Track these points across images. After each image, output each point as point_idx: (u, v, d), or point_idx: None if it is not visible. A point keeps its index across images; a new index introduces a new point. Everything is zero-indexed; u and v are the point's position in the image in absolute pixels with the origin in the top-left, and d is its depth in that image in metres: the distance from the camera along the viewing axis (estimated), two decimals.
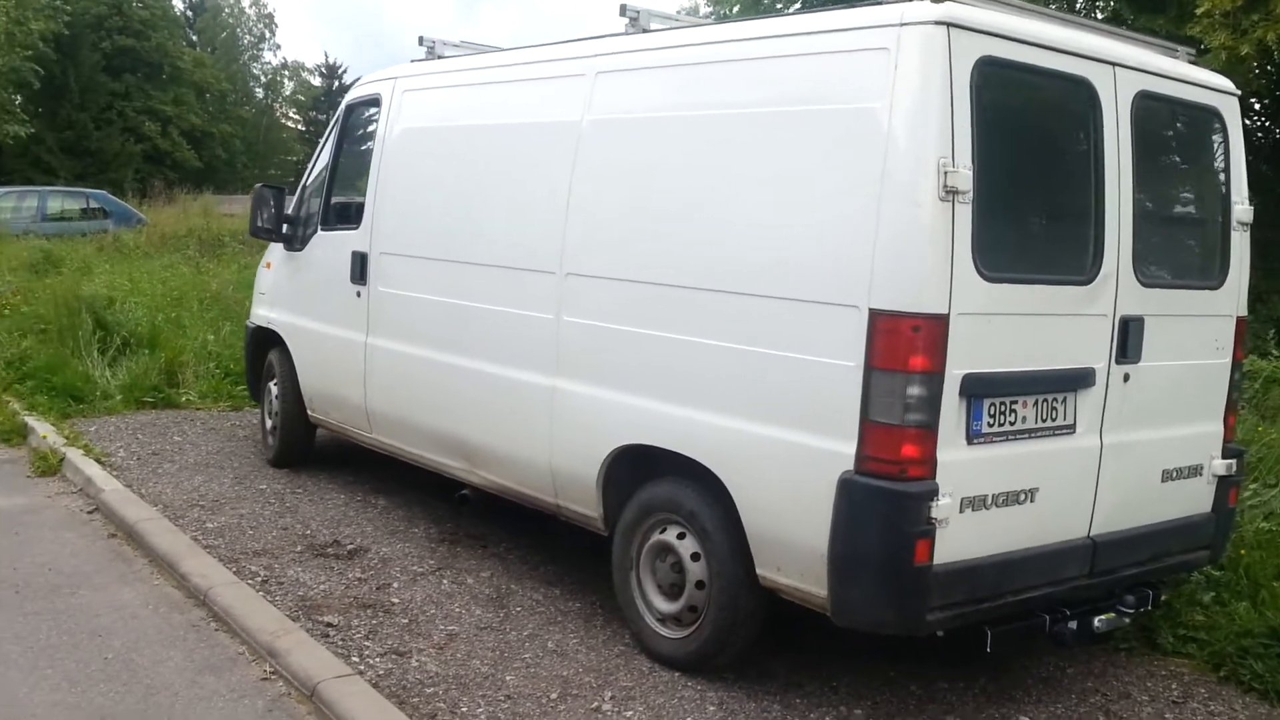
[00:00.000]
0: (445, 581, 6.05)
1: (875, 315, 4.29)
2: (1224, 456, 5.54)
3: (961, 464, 4.40)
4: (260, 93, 63.93)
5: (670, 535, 5.15)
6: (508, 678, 4.97)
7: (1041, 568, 4.73)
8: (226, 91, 55.22)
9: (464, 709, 4.65)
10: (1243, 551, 6.15)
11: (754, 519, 4.76)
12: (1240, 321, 5.55)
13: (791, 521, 4.59)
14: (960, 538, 4.42)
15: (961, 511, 4.41)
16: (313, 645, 5.01)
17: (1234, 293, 5.48)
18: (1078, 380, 4.79)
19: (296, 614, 5.44)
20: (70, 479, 7.62)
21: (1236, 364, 5.58)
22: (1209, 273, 5.44)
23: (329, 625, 5.38)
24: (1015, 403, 4.58)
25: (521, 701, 4.75)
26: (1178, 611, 5.83)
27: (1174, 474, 5.29)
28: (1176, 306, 5.19)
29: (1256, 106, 15.11)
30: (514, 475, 6.05)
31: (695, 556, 5.03)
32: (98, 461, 7.86)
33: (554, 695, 4.84)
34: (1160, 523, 5.28)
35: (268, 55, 65.72)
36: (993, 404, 4.50)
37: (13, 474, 7.89)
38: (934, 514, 4.28)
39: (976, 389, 4.42)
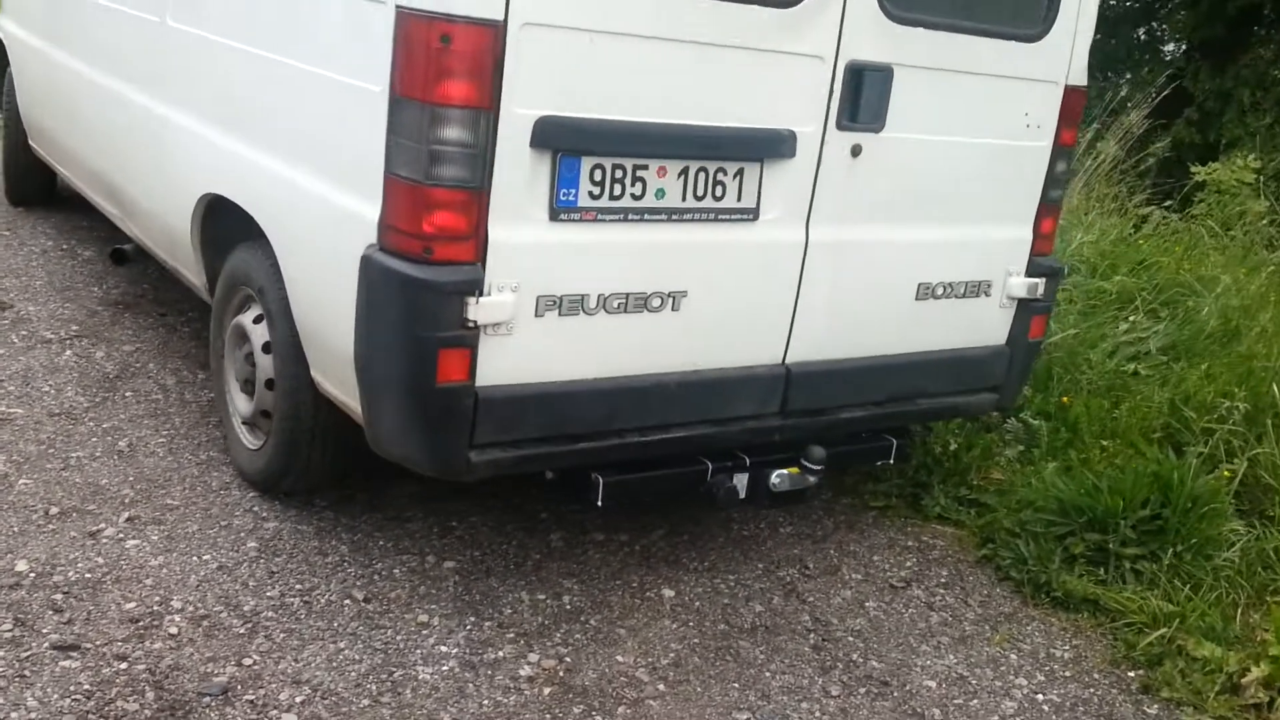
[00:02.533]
0: (69, 352, 4.91)
1: (402, 16, 2.88)
2: (1028, 274, 4.08)
3: (537, 248, 3.06)
4: None
5: (248, 318, 3.88)
6: (22, 481, 3.82)
7: (688, 400, 3.43)
8: None
9: None
10: (1065, 399, 4.74)
11: (297, 300, 3.50)
12: (1073, 93, 3.99)
13: (324, 309, 3.33)
14: (535, 352, 3.13)
15: (538, 315, 3.09)
16: None
17: (1063, 50, 3.91)
18: (763, 145, 3.36)
19: None
20: None
21: (1062, 149, 4.06)
22: (1024, 17, 3.86)
23: None
24: (641, 168, 3.17)
25: (8, 515, 3.61)
26: (967, 467, 4.49)
27: (938, 291, 3.88)
28: (955, 58, 3.66)
29: None
30: (142, 227, 4.81)
31: (266, 348, 3.78)
32: None
33: (55, 510, 3.69)
34: (912, 354, 3.91)
35: None
36: (597, 166, 3.10)
37: None
38: (472, 314, 2.96)
39: (566, 141, 3.03)
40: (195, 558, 3.56)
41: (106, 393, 4.60)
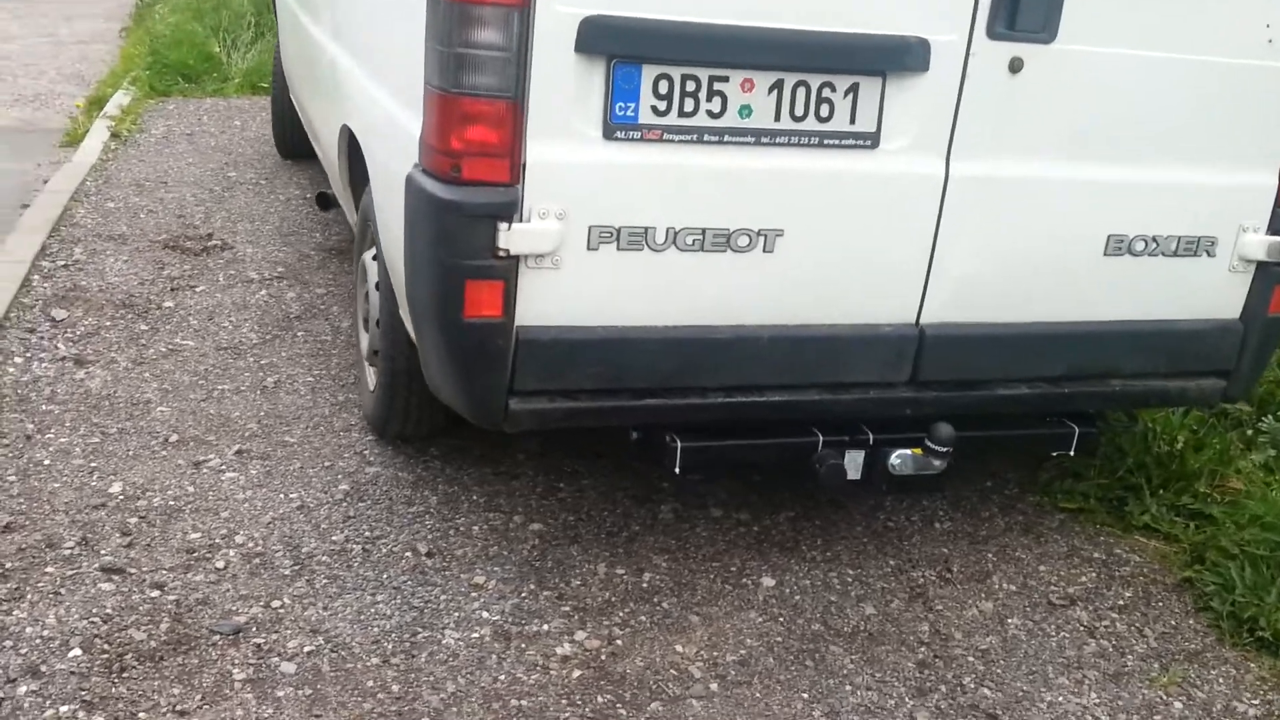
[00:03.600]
0: (264, 292, 5.02)
1: None
2: (1271, 230, 3.27)
3: (588, 170, 2.69)
4: None
5: (369, 254, 3.76)
6: (160, 409, 3.89)
7: (786, 359, 2.96)
8: None
9: (53, 434, 3.64)
10: None
11: (381, 228, 3.32)
12: None
13: (392, 236, 3.11)
14: (589, 291, 2.77)
15: (591, 248, 2.72)
16: None
17: None
18: (883, 55, 2.81)
19: (48, 302, 4.64)
20: (80, 151, 7.17)
21: None
22: None
23: (53, 318, 4.50)
24: (720, 80, 2.72)
25: (130, 439, 3.67)
26: (1196, 471, 3.70)
27: (1137, 246, 3.16)
28: None
29: None
30: (327, 169, 4.84)
31: (378, 285, 3.63)
32: (116, 137, 7.34)
33: (175, 438, 3.72)
34: (1099, 322, 3.22)
35: None
36: (662, 77, 2.68)
37: (44, 142, 7.56)
38: (505, 242, 2.63)
39: (621, 45, 2.63)
40: (282, 495, 3.45)
41: (281, 331, 4.62)
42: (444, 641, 2.85)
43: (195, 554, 3.12)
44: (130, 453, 3.62)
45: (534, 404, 2.83)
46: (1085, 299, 3.19)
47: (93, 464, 3.52)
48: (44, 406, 3.84)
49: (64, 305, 4.68)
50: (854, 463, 3.10)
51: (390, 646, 2.82)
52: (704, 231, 2.80)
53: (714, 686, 2.79)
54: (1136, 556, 3.49)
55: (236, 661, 2.72)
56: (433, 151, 2.67)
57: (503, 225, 2.63)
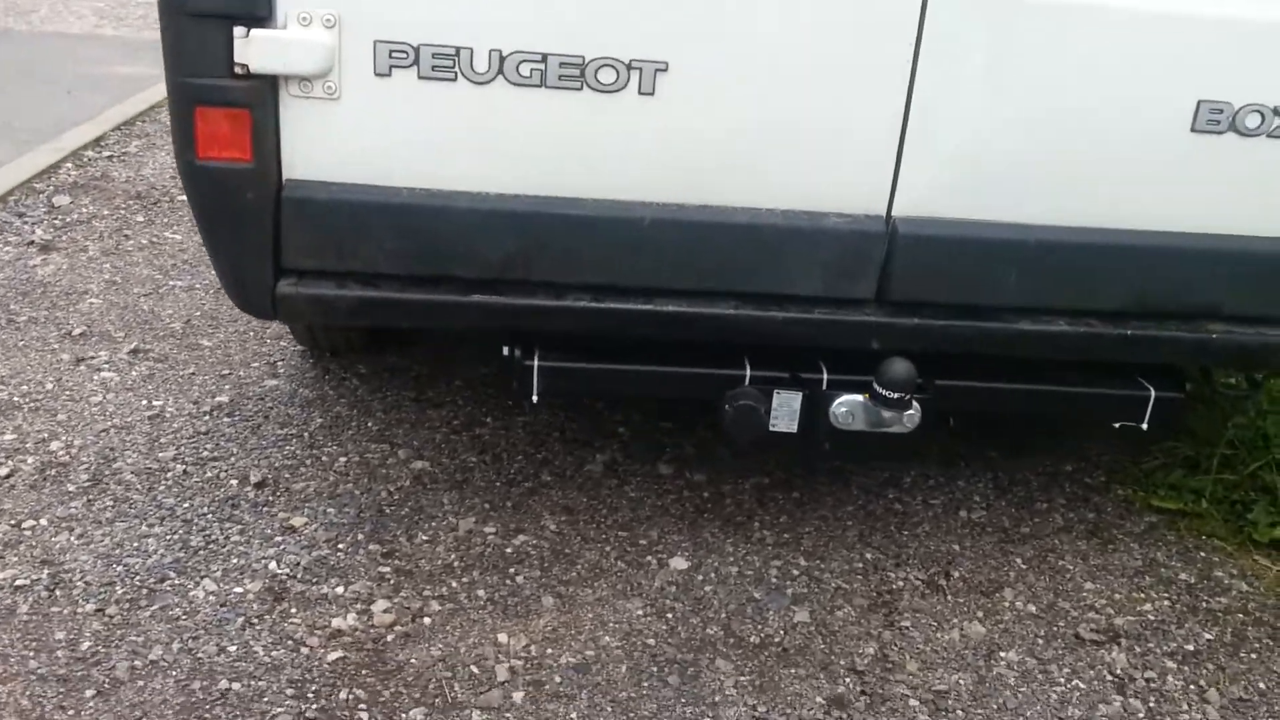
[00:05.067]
0: None
1: None
2: None
3: None
4: None
5: None
6: (94, 300, 3.44)
7: (684, 254, 2.11)
8: None
9: None
10: None
11: None
12: None
13: None
14: (382, 134, 2.02)
15: (381, 73, 1.97)
16: None
17: None
18: None
19: (60, 189, 4.31)
20: None
21: None
22: None
23: (51, 204, 4.15)
24: None
25: (34, 329, 3.23)
26: None
27: (1248, 122, 2.10)
28: None
29: None
30: None
31: None
32: None
33: (78, 332, 3.25)
34: (1188, 234, 2.18)
35: None
36: None
37: None
38: (242, 55, 1.92)
39: None
40: (145, 401, 2.88)
41: None
42: (192, 594, 2.17)
43: None
44: (21, 343, 3.14)
45: (313, 289, 2.09)
46: (1160, 197, 2.13)
47: None
48: None
49: (75, 193, 4.31)
50: (787, 410, 2.18)
51: (121, 592, 2.16)
52: (545, 59, 1.96)
53: (516, 697, 1.99)
54: (1244, 584, 2.40)
55: None
56: None
57: (239, 31, 1.90)
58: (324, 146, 2.01)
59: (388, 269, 2.09)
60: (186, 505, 2.45)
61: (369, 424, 2.82)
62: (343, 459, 2.67)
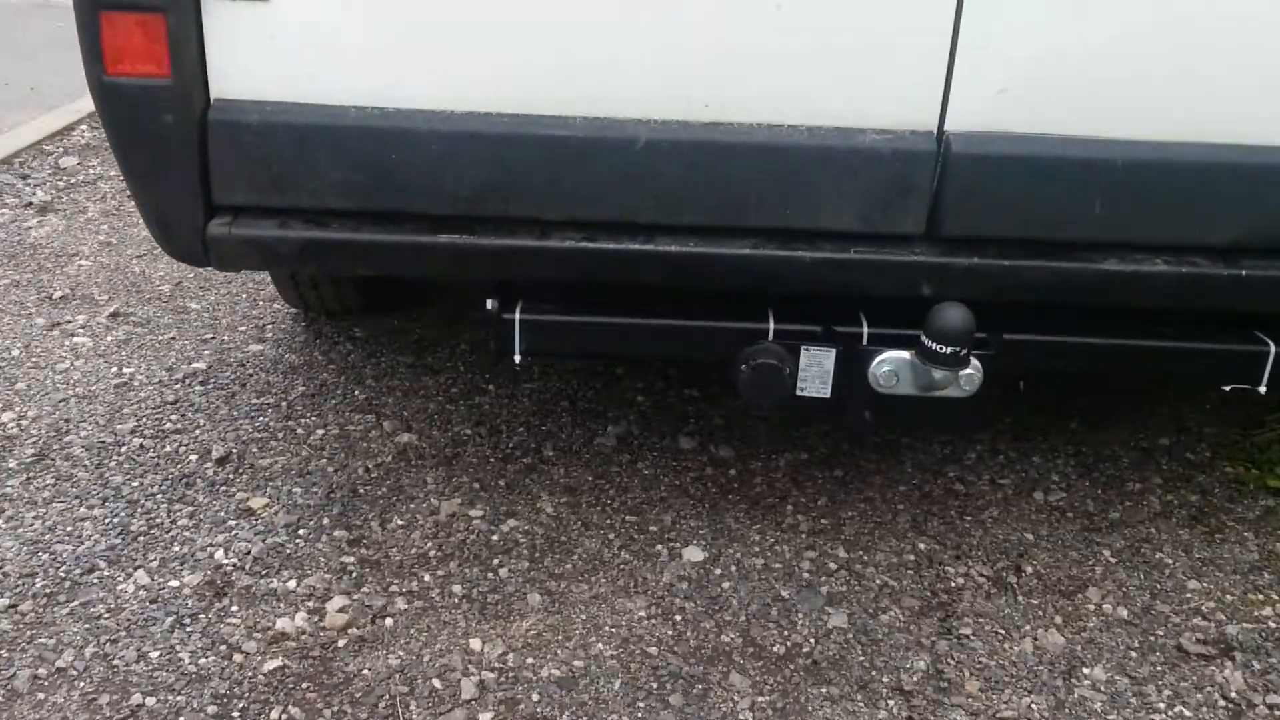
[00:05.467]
0: None
1: None
2: None
3: None
4: None
5: None
6: (84, 263, 3.19)
7: (685, 181, 1.74)
8: None
9: None
10: None
11: None
12: None
13: None
14: (325, 44, 1.69)
15: None
16: None
17: None
18: None
19: (69, 150, 4.07)
20: None
21: None
22: None
23: (58, 166, 3.91)
24: None
25: (17, 291, 2.97)
26: None
27: None
28: None
29: None
30: None
31: None
32: None
33: (60, 295, 2.98)
34: None
35: None
36: None
37: None
38: None
39: None
40: (115, 369, 2.60)
41: None
42: (120, 587, 1.86)
43: None
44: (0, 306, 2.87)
45: (250, 229, 1.75)
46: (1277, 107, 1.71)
47: None
48: None
49: (84, 154, 4.07)
50: (818, 370, 1.80)
51: (41, 585, 1.86)
52: None
53: (483, 719, 1.63)
54: None
55: None
56: None
57: None
58: (256, 58, 1.68)
59: (337, 204, 1.75)
60: (135, 484, 2.14)
61: (356, 393, 2.50)
62: (320, 431, 2.34)
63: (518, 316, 1.84)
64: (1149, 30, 1.64)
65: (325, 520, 2.06)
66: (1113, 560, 2.03)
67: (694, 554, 2.01)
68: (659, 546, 2.03)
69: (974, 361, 1.74)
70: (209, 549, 1.97)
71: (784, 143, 1.71)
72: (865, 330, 1.84)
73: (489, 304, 1.87)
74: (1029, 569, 1.99)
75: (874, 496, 2.19)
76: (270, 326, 2.81)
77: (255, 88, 1.70)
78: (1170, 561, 2.03)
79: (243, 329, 2.79)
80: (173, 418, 2.38)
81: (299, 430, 2.35)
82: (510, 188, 1.73)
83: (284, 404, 2.45)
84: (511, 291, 1.88)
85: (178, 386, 2.51)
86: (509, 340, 1.85)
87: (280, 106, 1.70)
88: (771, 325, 1.85)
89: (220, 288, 3.02)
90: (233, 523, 2.04)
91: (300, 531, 2.02)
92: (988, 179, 1.72)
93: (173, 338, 2.75)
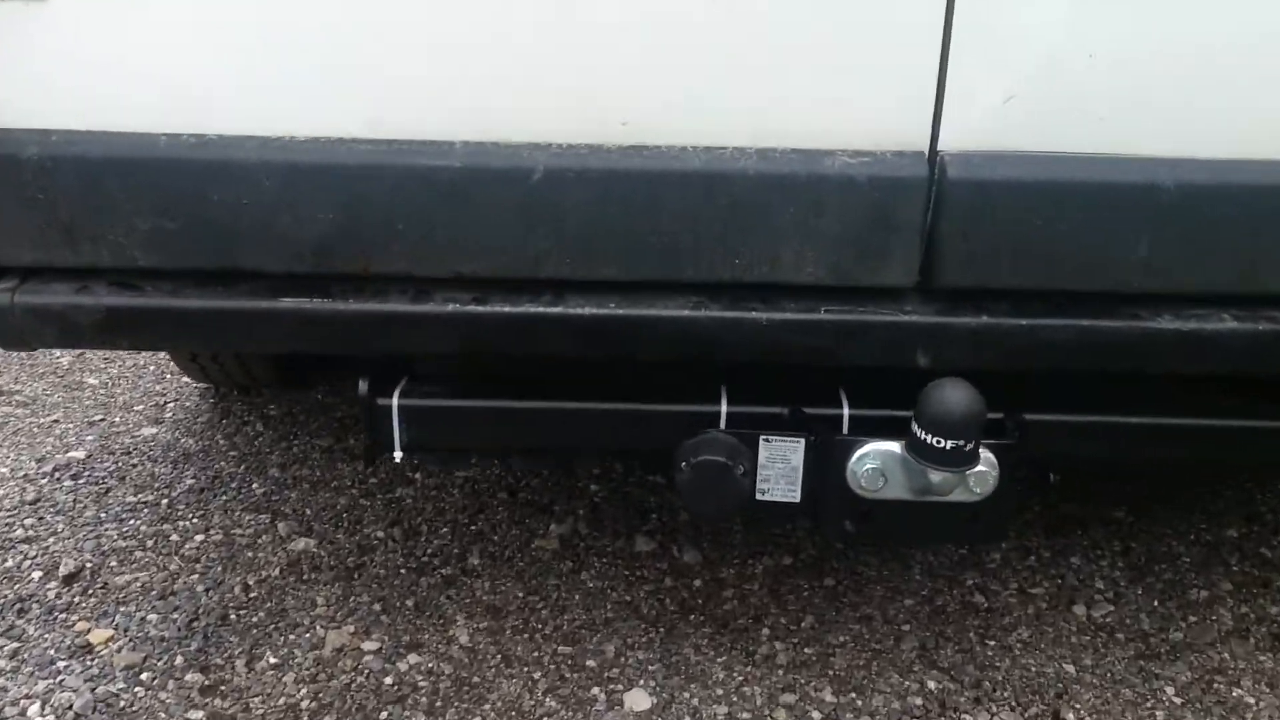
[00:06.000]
0: None
1: None
2: None
3: None
4: None
5: None
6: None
7: (596, 222, 1.32)
8: None
9: None
10: None
11: None
12: None
13: None
14: (116, 56, 1.27)
15: None
16: None
17: None
18: None
19: None
20: None
21: None
22: None
23: None
24: None
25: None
26: None
27: None
28: None
29: None
30: None
31: None
32: None
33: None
34: None
35: None
36: None
37: None
38: None
39: None
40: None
41: None
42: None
43: None
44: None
45: (38, 296, 1.35)
46: None
47: None
48: None
49: None
50: (782, 466, 1.37)
51: None
52: None
53: None
54: None
55: None
56: None
57: None
58: (31, 75, 1.28)
59: (148, 261, 1.34)
60: None
61: (254, 486, 2.09)
62: (199, 537, 1.93)
63: (395, 402, 1.42)
64: (1207, 17, 1.21)
65: (179, 659, 1.63)
66: (1177, 699, 1.57)
67: (638, 700, 1.57)
68: (595, 690, 1.59)
69: (986, 455, 1.30)
70: (22, 703, 1.54)
71: (726, 170, 1.29)
72: (846, 412, 1.41)
73: (360, 386, 1.45)
74: (1070, 716, 1.53)
75: (873, 614, 1.74)
76: (172, 405, 2.41)
77: (34, 112, 1.30)
78: (1252, 701, 1.57)
79: (139, 408, 2.40)
80: (27, 522, 1.97)
81: (174, 536, 1.93)
82: (371, 236, 1.32)
83: (164, 502, 2.04)
84: (389, 370, 1.46)
85: (44, 482, 2.11)
86: (386, 432, 1.43)
87: (68, 136, 1.30)
88: (724, 408, 1.42)
89: (125, 359, 2.63)
90: (62, 664, 1.62)
91: (143, 676, 1.60)
92: (997, 212, 1.29)
93: (56, 420, 2.35)
